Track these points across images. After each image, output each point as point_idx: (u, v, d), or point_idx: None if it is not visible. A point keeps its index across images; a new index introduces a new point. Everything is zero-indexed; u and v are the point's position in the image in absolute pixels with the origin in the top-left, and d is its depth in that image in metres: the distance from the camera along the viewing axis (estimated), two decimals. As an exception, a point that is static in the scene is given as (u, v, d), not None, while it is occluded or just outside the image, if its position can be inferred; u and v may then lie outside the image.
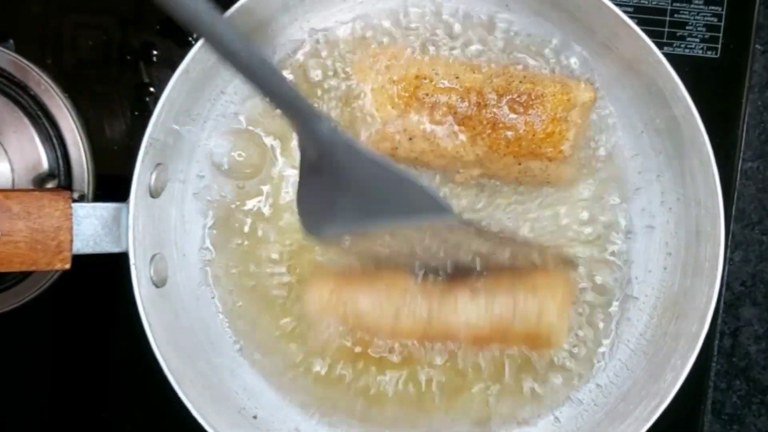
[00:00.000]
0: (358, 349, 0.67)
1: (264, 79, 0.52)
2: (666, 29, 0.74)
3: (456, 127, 0.64)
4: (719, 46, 0.74)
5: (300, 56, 0.67)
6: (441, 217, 0.58)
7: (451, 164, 0.66)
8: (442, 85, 0.64)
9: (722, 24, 0.73)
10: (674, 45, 0.74)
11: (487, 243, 0.63)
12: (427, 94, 0.64)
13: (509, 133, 0.64)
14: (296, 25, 0.67)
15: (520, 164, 0.65)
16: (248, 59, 0.51)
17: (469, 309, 0.63)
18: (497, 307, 0.63)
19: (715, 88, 0.73)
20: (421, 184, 0.57)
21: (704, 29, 0.73)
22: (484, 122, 0.64)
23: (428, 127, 0.64)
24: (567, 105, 0.64)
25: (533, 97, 0.64)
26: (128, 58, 0.73)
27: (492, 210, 0.68)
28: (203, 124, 0.67)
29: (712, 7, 0.73)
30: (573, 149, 0.66)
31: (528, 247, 0.65)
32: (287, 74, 0.67)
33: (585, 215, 0.69)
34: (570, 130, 0.64)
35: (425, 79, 0.64)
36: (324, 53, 0.67)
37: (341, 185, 0.56)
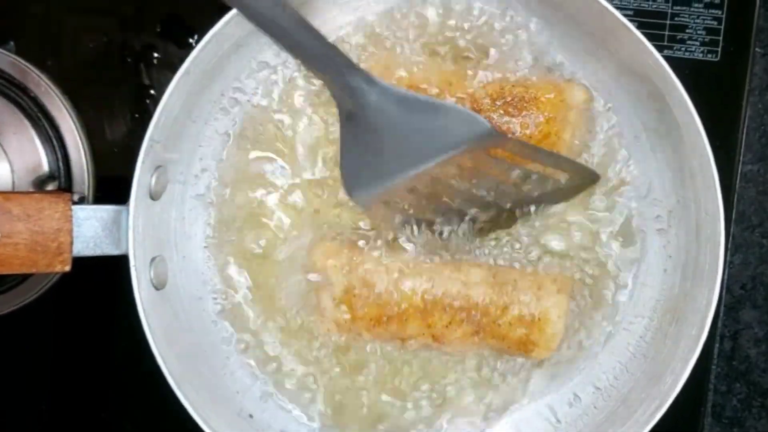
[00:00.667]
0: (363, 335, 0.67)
1: (295, 36, 0.53)
2: (666, 32, 0.74)
3: None
4: (719, 49, 0.74)
5: (284, 64, 0.67)
6: (482, 134, 0.58)
7: None
8: (435, 93, 0.64)
9: (722, 27, 0.73)
10: (674, 48, 0.74)
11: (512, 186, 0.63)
12: None
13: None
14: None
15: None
16: (279, 18, 0.52)
17: (473, 272, 0.64)
18: (500, 275, 0.64)
19: (715, 91, 0.73)
20: (458, 107, 0.58)
21: (704, 32, 0.74)
22: None
23: None
24: (561, 106, 0.64)
25: (527, 100, 0.64)
26: (129, 60, 0.73)
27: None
28: (204, 125, 0.67)
29: (713, 11, 0.73)
30: (569, 150, 0.66)
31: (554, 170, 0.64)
32: (279, 80, 0.67)
33: (585, 217, 0.69)
34: (565, 131, 0.65)
35: (419, 87, 0.64)
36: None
37: (384, 132, 0.56)
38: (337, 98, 0.57)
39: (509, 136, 0.62)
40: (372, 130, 0.56)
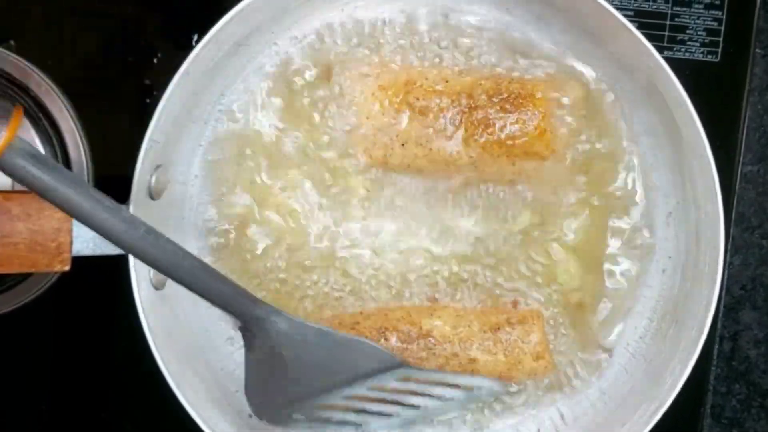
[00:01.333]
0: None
1: (205, 283, 0.55)
2: (666, 33, 0.74)
3: (448, 130, 0.64)
4: (719, 50, 0.74)
5: (284, 65, 0.67)
6: (391, 366, 0.61)
7: (444, 169, 0.66)
8: (432, 89, 0.64)
9: (722, 28, 0.73)
10: (674, 49, 0.74)
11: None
12: (417, 98, 0.64)
13: (502, 133, 0.64)
14: (283, 34, 0.67)
15: (513, 165, 0.65)
16: (189, 268, 0.54)
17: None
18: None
19: (715, 92, 0.73)
20: (368, 342, 0.61)
21: (704, 33, 0.74)
22: (476, 123, 0.64)
23: (420, 131, 0.64)
24: (558, 103, 0.64)
25: (523, 96, 0.64)
26: (129, 60, 0.73)
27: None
28: (204, 125, 0.67)
29: (713, 12, 0.73)
30: (566, 147, 0.66)
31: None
32: (269, 84, 0.67)
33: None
34: (562, 128, 0.65)
35: (415, 84, 0.64)
36: (309, 61, 0.67)
37: (290, 362, 0.58)
38: (242, 329, 0.59)
39: (419, 368, 0.64)
40: (279, 359, 0.58)
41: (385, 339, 0.64)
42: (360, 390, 0.61)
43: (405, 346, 0.65)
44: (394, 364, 0.61)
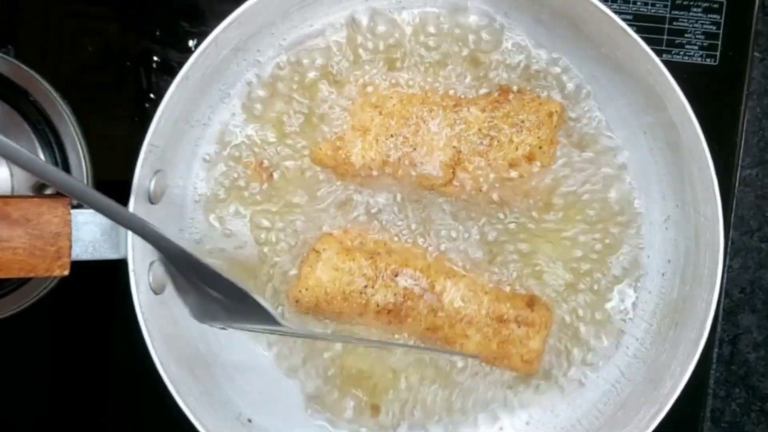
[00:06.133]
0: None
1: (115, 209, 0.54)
2: (665, 37, 0.74)
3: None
4: (718, 53, 0.74)
5: (283, 69, 0.68)
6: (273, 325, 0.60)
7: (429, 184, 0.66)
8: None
9: (721, 32, 0.74)
10: (673, 52, 0.74)
11: None
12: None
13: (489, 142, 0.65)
14: (282, 37, 0.67)
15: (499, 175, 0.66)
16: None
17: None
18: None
19: (713, 96, 0.73)
20: (253, 296, 0.59)
21: (703, 37, 0.74)
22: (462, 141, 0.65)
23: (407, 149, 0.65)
24: (539, 118, 0.65)
25: (504, 111, 0.65)
26: (128, 64, 0.73)
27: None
28: (203, 130, 0.67)
29: (711, 15, 0.73)
30: (551, 158, 0.66)
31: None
32: (262, 93, 0.67)
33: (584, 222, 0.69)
34: (544, 142, 0.65)
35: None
36: (309, 66, 0.68)
37: (211, 297, 0.58)
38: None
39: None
40: (192, 284, 0.59)
41: (395, 282, 0.65)
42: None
43: (409, 300, 0.65)
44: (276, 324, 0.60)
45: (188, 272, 0.57)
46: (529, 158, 0.65)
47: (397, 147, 0.65)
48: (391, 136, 0.65)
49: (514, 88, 0.67)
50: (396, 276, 0.65)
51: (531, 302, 0.67)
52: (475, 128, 0.65)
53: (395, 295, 0.65)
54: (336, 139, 0.66)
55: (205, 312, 0.58)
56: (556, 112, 0.66)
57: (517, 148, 0.65)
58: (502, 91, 0.66)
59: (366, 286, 0.65)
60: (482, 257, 0.67)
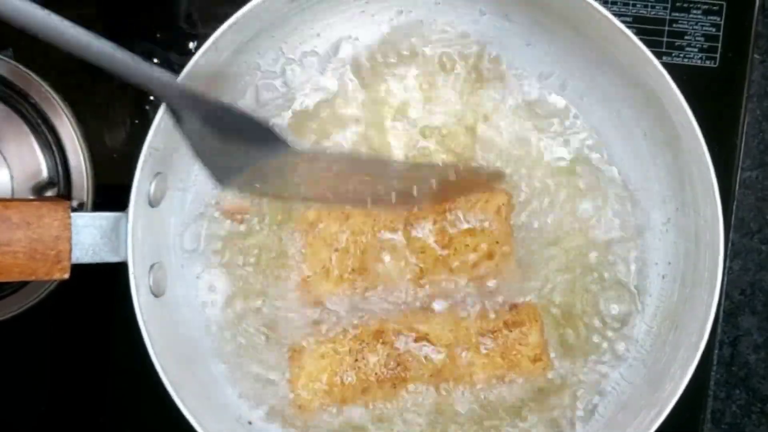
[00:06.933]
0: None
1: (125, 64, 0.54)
2: (665, 39, 0.74)
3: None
4: (718, 55, 0.74)
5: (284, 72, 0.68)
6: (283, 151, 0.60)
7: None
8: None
9: (721, 34, 0.74)
10: (673, 55, 0.74)
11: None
12: None
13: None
14: (284, 41, 0.67)
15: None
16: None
17: None
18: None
19: (713, 98, 0.73)
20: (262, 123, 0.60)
21: (703, 39, 0.74)
22: None
23: None
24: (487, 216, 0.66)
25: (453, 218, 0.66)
26: (128, 66, 0.73)
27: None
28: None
29: (711, 17, 0.73)
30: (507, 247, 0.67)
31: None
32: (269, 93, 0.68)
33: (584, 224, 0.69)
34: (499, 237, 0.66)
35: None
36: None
37: (225, 137, 0.58)
38: (181, 119, 0.57)
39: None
40: (207, 131, 0.58)
41: (381, 344, 0.66)
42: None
43: (399, 354, 0.66)
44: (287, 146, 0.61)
45: (211, 119, 0.57)
46: (489, 256, 0.66)
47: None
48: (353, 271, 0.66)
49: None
50: (379, 340, 0.66)
51: (511, 307, 0.67)
52: (431, 240, 0.66)
53: (387, 356, 0.66)
54: None
55: (226, 166, 0.58)
56: (503, 204, 0.66)
57: (475, 249, 0.66)
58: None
59: (356, 360, 0.65)
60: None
